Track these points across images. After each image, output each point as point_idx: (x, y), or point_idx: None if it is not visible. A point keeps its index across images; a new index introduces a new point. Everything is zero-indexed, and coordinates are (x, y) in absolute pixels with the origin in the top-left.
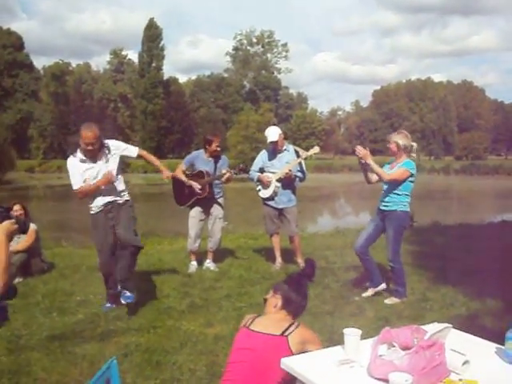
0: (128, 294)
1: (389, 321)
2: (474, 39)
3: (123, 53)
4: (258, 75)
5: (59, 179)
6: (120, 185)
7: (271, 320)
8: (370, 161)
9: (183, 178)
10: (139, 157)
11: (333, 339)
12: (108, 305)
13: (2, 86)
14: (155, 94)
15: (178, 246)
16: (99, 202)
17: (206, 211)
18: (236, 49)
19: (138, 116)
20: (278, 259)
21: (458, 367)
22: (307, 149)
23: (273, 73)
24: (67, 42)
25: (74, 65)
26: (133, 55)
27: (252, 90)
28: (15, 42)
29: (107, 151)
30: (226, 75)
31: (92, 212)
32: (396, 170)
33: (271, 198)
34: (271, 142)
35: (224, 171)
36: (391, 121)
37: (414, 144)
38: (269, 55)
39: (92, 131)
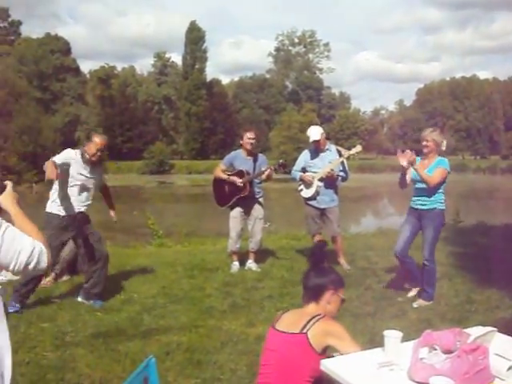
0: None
1: (431, 323)
2: None
3: (167, 55)
4: (300, 75)
5: (107, 180)
6: (90, 197)
7: (296, 316)
8: (417, 166)
9: (223, 176)
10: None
11: (374, 341)
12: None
13: (50, 89)
14: (198, 96)
15: (221, 245)
16: (75, 208)
17: (247, 211)
18: (278, 49)
19: (182, 118)
20: None
21: (502, 372)
22: (350, 149)
23: (315, 73)
24: (112, 46)
25: (119, 68)
26: (176, 58)
27: (294, 91)
28: (62, 47)
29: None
30: (268, 76)
31: (60, 213)
32: (435, 171)
33: (313, 198)
34: (313, 141)
35: (263, 169)
36: (435, 120)
37: (445, 140)
38: (310, 55)
39: (104, 139)
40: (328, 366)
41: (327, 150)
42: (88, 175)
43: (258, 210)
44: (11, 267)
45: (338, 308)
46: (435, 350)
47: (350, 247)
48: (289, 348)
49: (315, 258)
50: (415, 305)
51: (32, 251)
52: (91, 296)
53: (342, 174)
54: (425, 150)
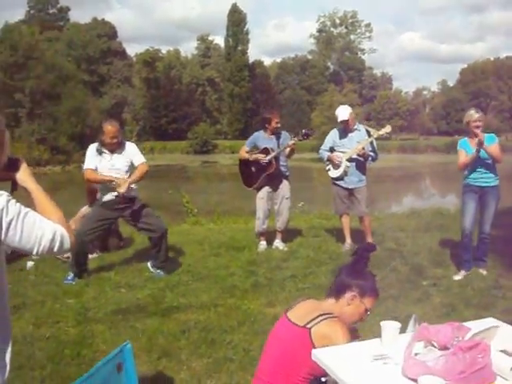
0: (162, 272)
1: (456, 308)
2: None
3: (210, 38)
4: (341, 56)
5: (152, 160)
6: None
7: (310, 308)
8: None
9: (246, 155)
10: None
11: None
12: (70, 277)
13: (97, 72)
14: (241, 77)
15: (253, 224)
16: (108, 196)
17: (275, 190)
18: (320, 31)
19: (225, 99)
20: (348, 240)
21: (505, 372)
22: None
23: (356, 53)
24: (158, 30)
25: (164, 51)
26: (220, 40)
27: (336, 71)
28: (109, 32)
29: (124, 148)
30: (310, 57)
31: (98, 203)
32: (493, 147)
33: (341, 178)
34: (342, 121)
35: (287, 143)
36: (478, 100)
37: None
38: (352, 36)
39: (114, 126)
40: (319, 355)
41: (356, 129)
42: (104, 161)
43: (285, 189)
44: (34, 251)
45: (360, 315)
46: (432, 345)
47: (381, 227)
48: (292, 340)
49: (355, 256)
50: (457, 277)
51: (54, 235)
52: (156, 265)
53: (371, 154)
54: (478, 131)
